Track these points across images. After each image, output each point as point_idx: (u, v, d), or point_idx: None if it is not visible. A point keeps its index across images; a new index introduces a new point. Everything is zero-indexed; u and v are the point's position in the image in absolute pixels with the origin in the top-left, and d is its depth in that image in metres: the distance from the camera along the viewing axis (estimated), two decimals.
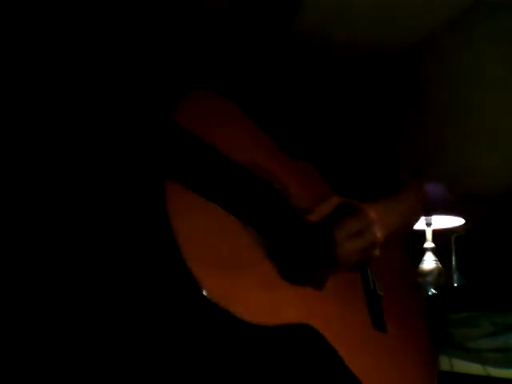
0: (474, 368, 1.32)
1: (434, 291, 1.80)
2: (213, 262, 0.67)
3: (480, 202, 1.94)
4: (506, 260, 1.59)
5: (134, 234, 0.68)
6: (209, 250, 0.67)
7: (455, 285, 1.78)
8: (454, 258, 1.83)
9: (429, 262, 1.86)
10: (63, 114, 0.61)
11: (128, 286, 0.70)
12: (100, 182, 0.69)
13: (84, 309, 0.69)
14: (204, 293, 0.63)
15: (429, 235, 1.94)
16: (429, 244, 1.92)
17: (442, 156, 2.18)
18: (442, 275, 1.86)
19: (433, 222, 1.94)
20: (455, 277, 1.82)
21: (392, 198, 0.96)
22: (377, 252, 0.82)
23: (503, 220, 1.77)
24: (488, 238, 1.71)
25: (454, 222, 1.98)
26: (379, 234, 0.82)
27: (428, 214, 1.89)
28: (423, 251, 1.91)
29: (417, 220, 1.08)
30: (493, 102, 1.99)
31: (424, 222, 1.93)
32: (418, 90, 2.34)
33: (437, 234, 1.98)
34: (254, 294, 0.71)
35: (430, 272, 1.84)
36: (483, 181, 2.00)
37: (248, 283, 0.71)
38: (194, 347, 0.71)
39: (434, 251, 1.91)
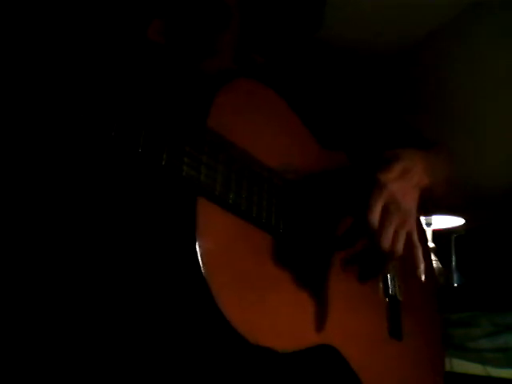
0: (474, 368, 1.32)
1: None
2: (234, 281, 0.64)
3: (480, 201, 1.94)
4: (506, 260, 1.59)
5: (157, 239, 0.67)
6: (231, 266, 0.64)
7: (455, 285, 1.78)
8: (453, 258, 1.83)
9: None
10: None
11: (140, 292, 0.69)
12: (131, 188, 0.68)
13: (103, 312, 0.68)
14: (224, 316, 0.60)
15: (429, 235, 1.94)
16: (429, 244, 1.92)
17: None
18: (441, 275, 1.86)
19: (433, 221, 1.94)
20: (455, 277, 1.82)
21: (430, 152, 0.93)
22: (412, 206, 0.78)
23: (503, 220, 1.77)
24: (488, 238, 1.71)
25: (453, 221, 1.99)
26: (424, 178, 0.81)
27: (428, 213, 1.89)
28: None
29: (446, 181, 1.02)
30: (493, 101, 1.99)
31: (424, 222, 1.94)
32: (417, 89, 2.34)
33: (437, 234, 1.98)
34: (276, 318, 0.68)
35: None
36: (483, 181, 2.00)
37: (270, 305, 0.68)
38: (199, 355, 0.70)
39: (434, 251, 1.91)
